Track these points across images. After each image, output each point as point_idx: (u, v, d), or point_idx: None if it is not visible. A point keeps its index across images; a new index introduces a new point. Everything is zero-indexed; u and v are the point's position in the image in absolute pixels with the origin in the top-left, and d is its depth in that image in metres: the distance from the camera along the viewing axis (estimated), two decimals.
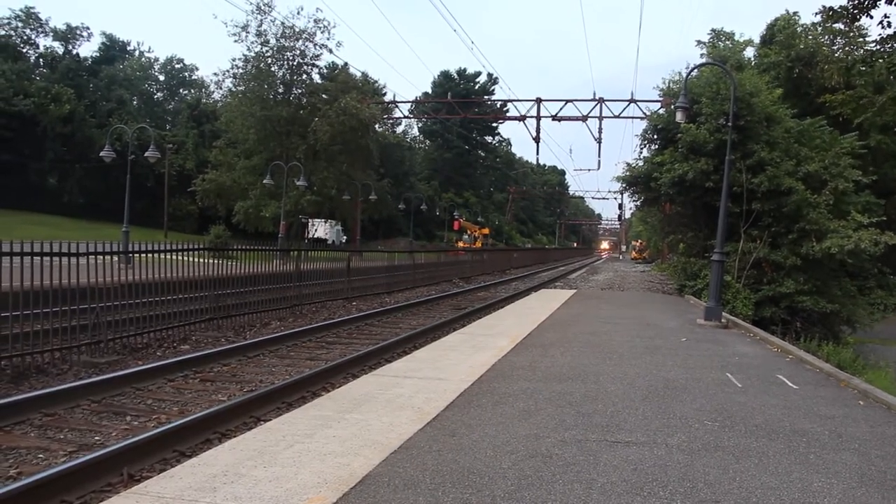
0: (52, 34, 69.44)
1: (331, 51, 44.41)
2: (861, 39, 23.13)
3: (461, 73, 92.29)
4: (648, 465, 4.74)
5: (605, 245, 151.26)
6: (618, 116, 43.36)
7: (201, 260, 13.88)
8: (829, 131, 21.60)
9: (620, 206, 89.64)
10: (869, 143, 22.82)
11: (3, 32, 64.55)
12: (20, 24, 66.39)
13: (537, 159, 57.89)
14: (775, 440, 5.49)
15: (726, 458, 4.97)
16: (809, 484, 4.49)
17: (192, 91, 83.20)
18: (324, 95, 44.83)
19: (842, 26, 21.19)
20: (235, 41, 43.15)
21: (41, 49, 68.91)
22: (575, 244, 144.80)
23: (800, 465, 4.87)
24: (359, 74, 52.01)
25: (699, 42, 35.26)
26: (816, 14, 18.68)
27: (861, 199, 21.35)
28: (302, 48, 43.02)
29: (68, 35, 70.57)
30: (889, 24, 17.17)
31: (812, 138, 21.23)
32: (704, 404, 6.64)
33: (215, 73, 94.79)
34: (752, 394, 7.25)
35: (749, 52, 32.95)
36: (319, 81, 48.04)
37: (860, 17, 17.78)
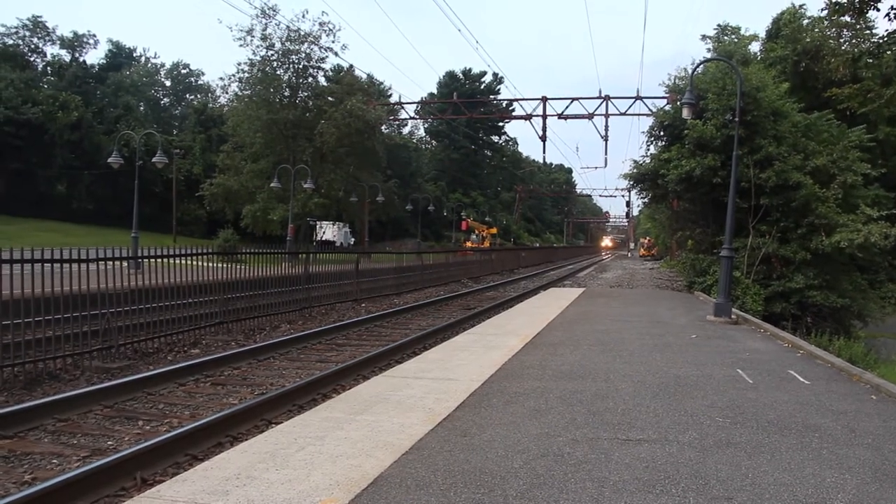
0: (59, 42, 70.14)
1: (336, 53, 44.58)
2: (868, 32, 23.03)
3: (466, 73, 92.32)
4: (660, 462, 4.73)
5: (606, 242, 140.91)
6: (624, 114, 43.31)
7: (210, 264, 13.92)
8: (836, 125, 21.50)
9: (628, 204, 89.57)
10: (877, 135, 22.74)
11: (10, 42, 65.11)
12: (27, 33, 66.98)
13: (544, 158, 58.06)
14: (787, 436, 5.46)
15: (738, 454, 4.95)
16: (822, 479, 4.48)
17: (199, 96, 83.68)
18: (329, 98, 44.95)
19: (848, 19, 21.11)
20: (241, 45, 43.30)
21: (48, 57, 69.60)
22: (582, 242, 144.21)
23: (813, 461, 4.85)
24: (364, 76, 52.18)
25: (705, 37, 35.29)
26: (823, 10, 18.63)
27: (870, 192, 21.25)
28: (307, 51, 43.17)
29: (75, 43, 71.10)
30: None
31: (819, 132, 21.14)
32: (716, 401, 6.62)
33: (221, 78, 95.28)
34: (763, 390, 7.22)
35: (755, 47, 32.91)
36: (325, 84, 48.18)
37: (867, 9, 17.71)
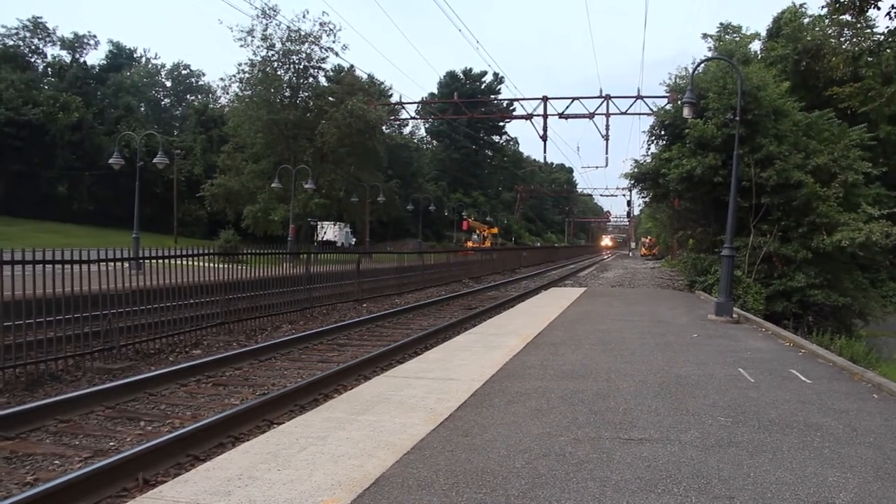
0: (59, 43, 70.14)
1: (336, 53, 44.59)
2: (868, 31, 23.02)
3: (467, 73, 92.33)
4: (662, 461, 4.73)
5: (606, 241, 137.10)
6: (625, 113, 43.31)
7: (211, 265, 13.92)
8: (837, 124, 21.48)
9: (629, 203, 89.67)
10: (878, 134, 22.70)
11: (11, 43, 65.14)
12: (28, 34, 66.98)
13: (545, 157, 58.29)
14: (789, 435, 5.46)
15: (740, 453, 4.95)
16: (825, 478, 4.47)
17: (199, 96, 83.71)
18: (330, 98, 44.94)
19: (849, 18, 21.09)
20: (241, 46, 43.22)
21: (49, 58, 69.57)
22: (584, 242, 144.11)
23: (815, 460, 4.85)
24: (365, 76, 52.16)
25: (706, 35, 35.30)
26: (823, 7, 18.60)
27: (871, 191, 21.23)
28: (308, 51, 43.14)
29: (75, 44, 71.13)
30: None
31: (820, 131, 21.12)
32: (717, 400, 6.62)
33: (222, 78, 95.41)
34: (764, 389, 7.22)
35: (755, 46, 32.91)
36: (326, 84, 48.17)
37: (867, 8, 17.68)
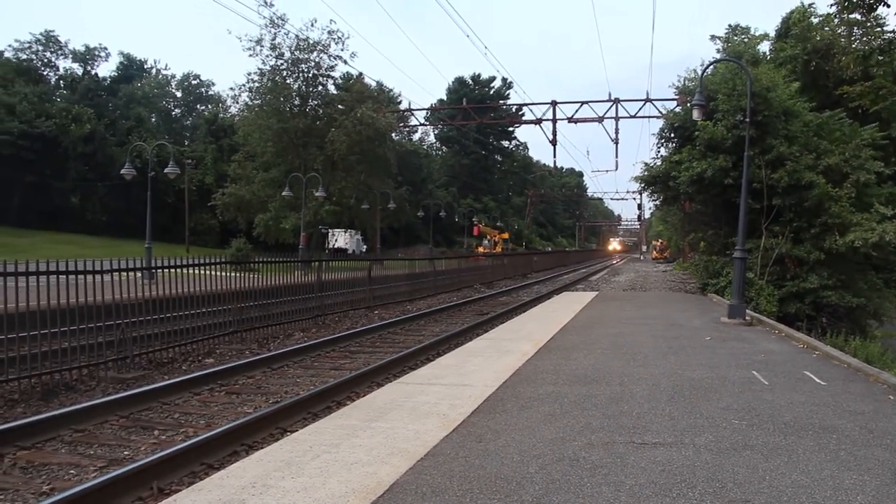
0: (71, 56, 70.94)
1: (345, 62, 44.71)
2: (879, 29, 22.84)
3: (475, 78, 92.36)
4: (676, 465, 4.71)
5: (615, 244, 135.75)
6: (634, 116, 43.26)
7: (223, 273, 13.99)
8: (848, 123, 21.32)
9: (640, 206, 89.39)
10: (890, 133, 22.49)
11: (24, 56, 65.94)
12: (41, 48, 67.79)
13: (554, 162, 58.23)
14: (804, 437, 5.42)
15: (755, 457, 4.92)
16: (841, 481, 4.44)
17: (210, 106, 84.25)
18: (340, 106, 45.12)
19: (858, 16, 20.96)
20: (250, 55, 43.51)
21: (61, 71, 70.42)
22: (594, 246, 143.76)
23: (831, 463, 4.81)
24: (374, 84, 52.27)
25: (714, 37, 35.07)
26: (832, 6, 18.49)
27: (884, 190, 21.05)
28: (316, 60, 43.36)
29: (87, 56, 71.86)
30: None
31: (832, 131, 20.97)
32: (731, 403, 6.58)
33: (231, 88, 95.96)
34: (779, 391, 7.17)
35: (764, 47, 32.72)
36: (335, 92, 48.37)
37: (877, 6, 17.57)
